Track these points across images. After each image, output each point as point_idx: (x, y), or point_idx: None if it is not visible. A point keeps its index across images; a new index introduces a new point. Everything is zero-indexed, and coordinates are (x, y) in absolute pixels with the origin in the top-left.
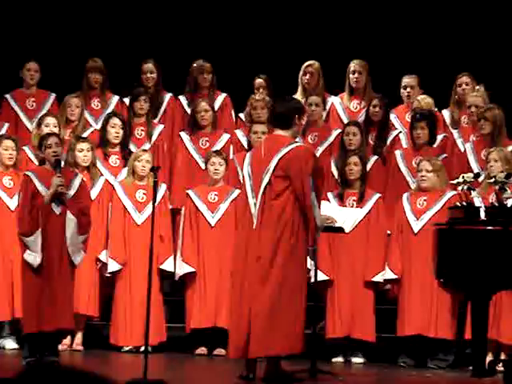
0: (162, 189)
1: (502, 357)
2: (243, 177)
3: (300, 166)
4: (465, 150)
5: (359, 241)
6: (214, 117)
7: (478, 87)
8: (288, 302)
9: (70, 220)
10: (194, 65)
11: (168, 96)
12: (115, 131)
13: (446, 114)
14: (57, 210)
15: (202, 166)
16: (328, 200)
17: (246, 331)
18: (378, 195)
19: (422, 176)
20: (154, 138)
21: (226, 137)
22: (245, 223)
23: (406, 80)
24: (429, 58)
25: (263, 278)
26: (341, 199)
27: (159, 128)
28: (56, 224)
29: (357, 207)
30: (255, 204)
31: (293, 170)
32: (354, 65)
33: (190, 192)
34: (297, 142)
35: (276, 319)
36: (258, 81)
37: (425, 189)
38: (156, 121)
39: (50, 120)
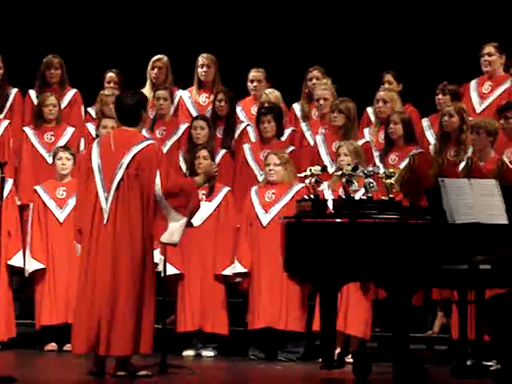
0: (9, 184)
1: (351, 349)
2: (92, 170)
3: (152, 165)
4: (314, 143)
5: (209, 234)
6: (60, 112)
7: (325, 80)
8: (140, 302)
9: None
10: (44, 60)
11: (14, 91)
12: None
13: (296, 107)
14: None
15: (49, 160)
16: None
17: (96, 329)
18: (227, 189)
19: (270, 169)
20: None
21: (70, 130)
22: (93, 217)
23: (253, 74)
24: (278, 51)
25: (114, 276)
26: None
27: (4, 123)
28: None
29: (206, 201)
30: (106, 198)
31: (147, 169)
32: (202, 59)
33: (37, 188)
34: (148, 138)
35: (128, 319)
36: (109, 75)
37: (273, 182)
38: (1, 116)
39: None
